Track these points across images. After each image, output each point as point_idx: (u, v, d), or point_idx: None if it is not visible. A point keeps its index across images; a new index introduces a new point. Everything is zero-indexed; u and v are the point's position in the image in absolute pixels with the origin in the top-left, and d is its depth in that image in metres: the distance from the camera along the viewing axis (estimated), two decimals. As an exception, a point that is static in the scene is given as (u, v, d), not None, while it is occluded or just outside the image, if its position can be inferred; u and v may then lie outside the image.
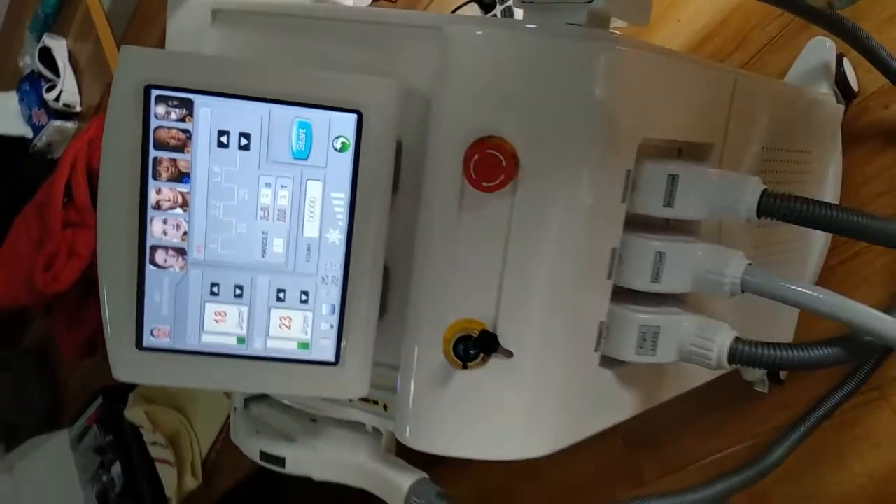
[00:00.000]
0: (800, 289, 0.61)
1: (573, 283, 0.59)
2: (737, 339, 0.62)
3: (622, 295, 0.64)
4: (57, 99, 1.27)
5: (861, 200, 1.07)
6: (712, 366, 0.63)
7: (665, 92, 0.61)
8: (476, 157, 0.53)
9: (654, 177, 0.60)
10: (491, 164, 0.53)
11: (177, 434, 1.11)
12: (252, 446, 0.69)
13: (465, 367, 0.56)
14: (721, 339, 0.62)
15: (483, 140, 0.54)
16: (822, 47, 0.98)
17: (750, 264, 0.61)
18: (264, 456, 0.68)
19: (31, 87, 1.31)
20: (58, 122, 1.30)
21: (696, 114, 0.66)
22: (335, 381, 0.59)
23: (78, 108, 1.31)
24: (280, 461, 0.67)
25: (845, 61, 1.00)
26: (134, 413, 1.13)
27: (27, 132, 1.31)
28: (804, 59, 0.99)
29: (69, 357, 1.38)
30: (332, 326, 0.58)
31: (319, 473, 0.67)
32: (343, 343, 0.58)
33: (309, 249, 0.57)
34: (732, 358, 0.62)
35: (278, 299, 0.57)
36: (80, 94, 1.29)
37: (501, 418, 0.61)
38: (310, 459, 0.67)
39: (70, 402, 1.50)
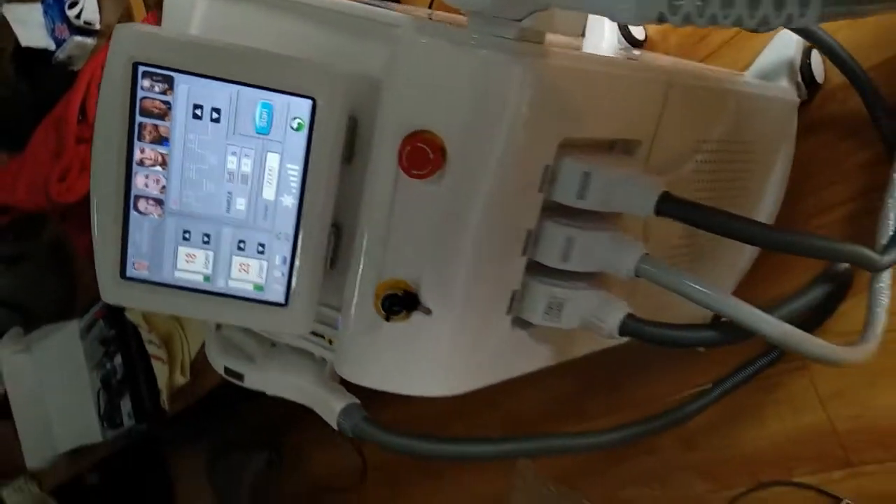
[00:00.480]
0: (687, 282, 0.70)
1: (489, 257, 0.69)
2: (629, 316, 0.73)
3: (537, 269, 0.74)
4: (78, 16, 1.35)
5: (812, 189, 1.14)
6: (607, 336, 0.74)
7: (588, 97, 0.69)
8: (408, 148, 0.62)
9: (570, 173, 0.69)
10: (420, 156, 0.62)
11: (170, 336, 1.25)
12: (219, 362, 0.82)
13: (388, 319, 0.67)
14: (614, 316, 0.73)
15: (416, 133, 0.63)
16: (785, 42, 1.03)
17: (646, 254, 0.71)
18: (227, 370, 0.81)
19: (55, 2, 1.39)
20: (78, 38, 1.38)
21: (622, 114, 0.74)
22: (283, 319, 0.70)
23: (97, 27, 1.39)
24: (240, 376, 0.80)
25: (813, 53, 1.05)
26: (133, 314, 1.27)
27: (50, 44, 1.40)
28: (767, 53, 1.05)
29: (82, 256, 1.51)
30: (282, 275, 0.69)
31: (271, 390, 0.80)
32: (291, 289, 0.70)
33: (266, 209, 0.67)
34: (623, 332, 0.73)
35: (239, 248, 0.68)
36: (100, 13, 1.37)
37: (421, 362, 0.73)
38: (264, 377, 0.80)
39: (82, 294, 1.65)
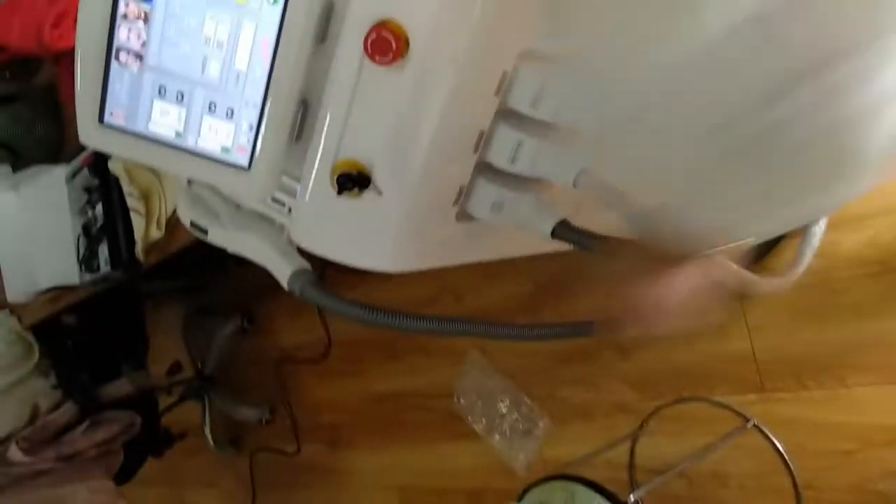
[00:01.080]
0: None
1: (441, 150, 0.74)
2: (561, 222, 0.79)
3: (486, 168, 0.80)
4: None
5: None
6: (543, 238, 0.80)
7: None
8: (374, 35, 0.67)
9: (526, 81, 0.74)
10: (384, 44, 0.67)
11: (149, 190, 1.31)
12: (186, 215, 0.88)
13: (339, 193, 0.73)
14: (548, 221, 0.79)
15: (383, 22, 0.67)
16: None
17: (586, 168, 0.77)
18: (193, 224, 0.87)
19: None
20: None
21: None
22: (245, 182, 0.76)
23: None
24: (204, 231, 0.87)
25: None
26: (116, 166, 1.32)
27: None
28: None
29: (70, 102, 1.54)
30: (248, 141, 0.75)
31: (232, 247, 0.87)
32: (255, 155, 0.75)
33: (238, 77, 0.72)
34: (554, 235, 0.79)
35: (209, 110, 0.73)
36: None
37: (369, 237, 0.79)
38: (225, 235, 0.86)
39: (71, 141, 1.69)
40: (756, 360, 1.27)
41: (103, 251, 1.39)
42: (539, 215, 0.80)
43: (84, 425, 1.95)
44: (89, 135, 0.74)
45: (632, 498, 1.40)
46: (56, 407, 1.99)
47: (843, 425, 1.21)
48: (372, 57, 0.67)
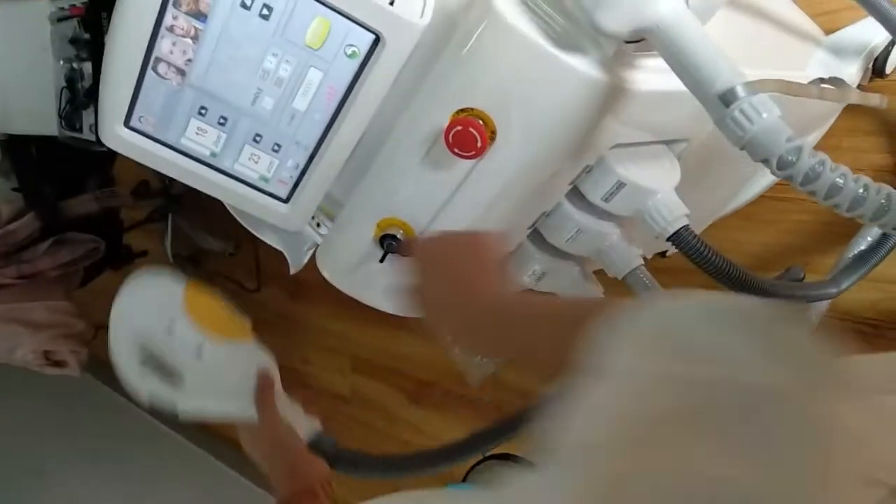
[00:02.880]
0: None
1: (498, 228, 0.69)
2: (640, 269, 0.76)
3: (537, 237, 0.75)
4: None
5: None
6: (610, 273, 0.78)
7: (648, 109, 0.65)
8: (458, 127, 0.58)
9: (605, 176, 0.67)
10: (468, 139, 0.59)
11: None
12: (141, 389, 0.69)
13: (382, 260, 0.68)
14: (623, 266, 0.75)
15: (469, 111, 0.59)
16: (873, 29, 0.95)
17: (641, 266, 0.73)
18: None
19: None
20: None
21: (675, 121, 0.70)
22: (281, 213, 0.70)
23: None
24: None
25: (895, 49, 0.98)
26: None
27: None
28: (854, 30, 0.96)
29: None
30: (290, 177, 0.67)
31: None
32: (296, 191, 0.68)
33: (293, 117, 0.63)
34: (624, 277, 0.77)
35: (254, 140, 0.65)
36: None
37: (399, 289, 0.75)
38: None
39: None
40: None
41: (89, 117, 1.28)
42: (619, 254, 0.75)
43: (46, 244, 1.91)
44: (112, 134, 0.65)
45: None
46: (17, 217, 1.93)
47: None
48: (451, 147, 0.59)
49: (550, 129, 0.59)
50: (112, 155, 2.34)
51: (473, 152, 0.59)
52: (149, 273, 0.70)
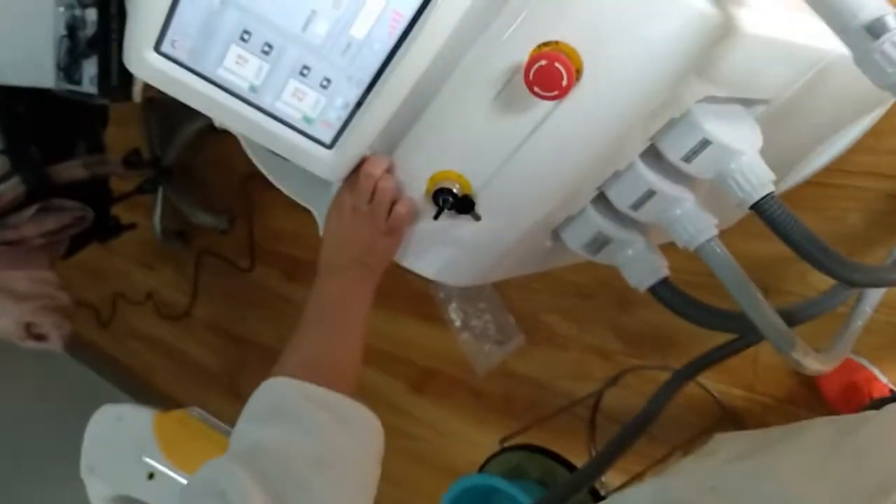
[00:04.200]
0: (729, 273, 0.67)
1: (563, 187, 0.62)
2: (663, 281, 0.69)
3: (599, 200, 0.68)
4: None
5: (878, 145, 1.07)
6: (632, 285, 0.71)
7: (751, 58, 0.58)
8: (542, 62, 0.51)
9: (690, 132, 0.60)
10: (553, 76, 0.52)
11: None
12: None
13: (436, 216, 0.61)
14: (648, 275, 0.69)
15: (554, 45, 0.52)
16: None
17: (714, 237, 0.66)
18: None
19: None
20: None
21: (770, 77, 0.64)
22: (319, 160, 0.62)
23: None
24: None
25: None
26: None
27: None
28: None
29: None
30: (338, 118, 0.60)
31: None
32: (342, 135, 0.60)
33: (349, 46, 0.55)
34: (651, 290, 0.70)
35: (301, 73, 0.57)
36: None
37: (447, 253, 0.68)
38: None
39: None
40: (757, 362, 1.26)
41: (90, 68, 1.19)
42: (640, 266, 0.70)
43: (32, 209, 1.81)
44: (138, 61, 0.57)
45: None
46: (2, 179, 1.82)
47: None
48: (531, 86, 0.52)
49: (647, 69, 0.52)
50: (104, 120, 2.24)
51: (557, 91, 0.52)
52: (109, 414, 0.63)
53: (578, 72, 0.53)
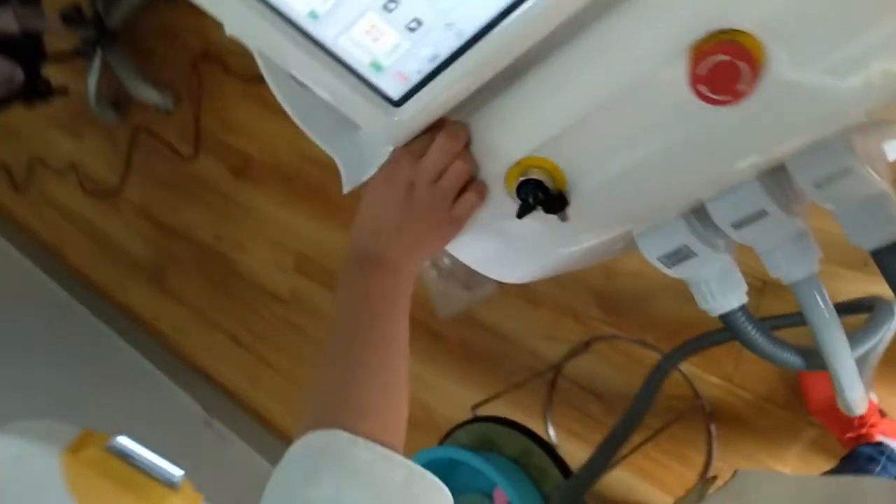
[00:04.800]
0: (820, 319, 0.59)
1: (680, 200, 0.51)
2: (743, 308, 0.61)
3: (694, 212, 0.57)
4: None
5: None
6: (702, 307, 0.62)
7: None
8: (723, 56, 0.39)
9: (833, 157, 0.50)
10: (730, 77, 0.40)
11: None
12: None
13: (520, 214, 0.49)
14: (728, 298, 0.60)
15: (732, 35, 0.39)
16: None
17: (814, 275, 0.57)
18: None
19: None
20: None
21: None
22: (379, 117, 0.48)
23: None
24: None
25: None
26: None
27: None
28: None
29: None
30: (418, 72, 0.46)
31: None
32: (416, 94, 0.47)
33: (458, -16, 0.41)
34: (723, 317, 0.61)
35: (385, 7, 0.43)
36: None
37: (515, 253, 0.57)
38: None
39: None
40: (741, 354, 1.21)
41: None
42: (721, 288, 0.60)
43: (-51, 60, 1.56)
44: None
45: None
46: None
47: (778, 446, 1.20)
48: (697, 83, 0.40)
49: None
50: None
51: (729, 96, 0.40)
52: (5, 452, 0.46)
53: (758, 70, 0.41)
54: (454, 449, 0.98)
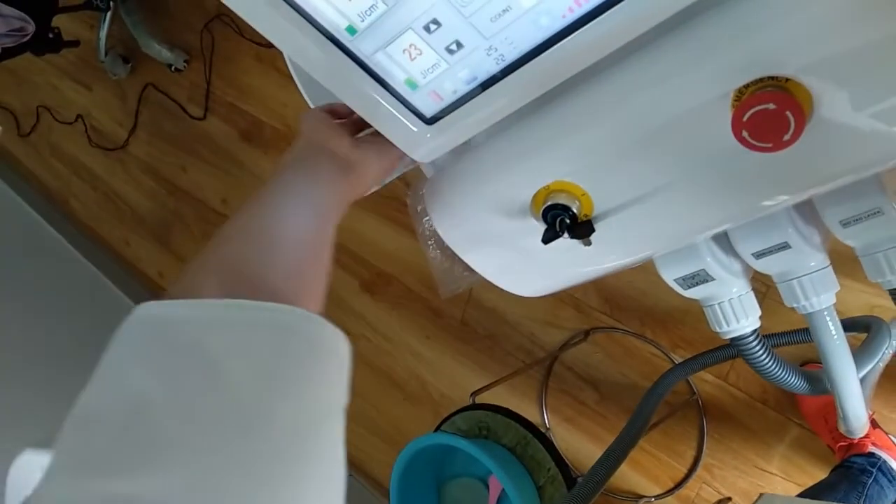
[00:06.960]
0: (833, 349, 0.59)
1: (704, 231, 0.51)
2: (756, 330, 0.61)
3: (719, 240, 0.57)
4: None
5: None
6: (714, 328, 0.63)
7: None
8: (769, 105, 0.39)
9: (865, 198, 0.50)
10: (777, 126, 0.39)
11: None
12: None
13: (546, 240, 0.49)
14: (735, 327, 0.61)
15: (774, 84, 0.39)
16: None
17: (831, 307, 0.57)
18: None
19: None
20: None
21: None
22: (410, 133, 0.48)
23: None
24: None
25: None
26: None
27: None
28: None
29: None
30: (454, 92, 0.45)
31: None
32: (450, 114, 0.46)
33: (504, 12, 0.41)
34: (733, 341, 0.62)
35: (426, 28, 0.42)
36: None
37: (526, 270, 0.57)
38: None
39: None
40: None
41: None
42: (735, 313, 0.61)
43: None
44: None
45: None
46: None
47: (766, 445, 1.21)
48: (740, 130, 0.40)
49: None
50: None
51: (772, 144, 0.40)
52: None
53: (805, 121, 0.40)
54: (451, 436, 0.99)
